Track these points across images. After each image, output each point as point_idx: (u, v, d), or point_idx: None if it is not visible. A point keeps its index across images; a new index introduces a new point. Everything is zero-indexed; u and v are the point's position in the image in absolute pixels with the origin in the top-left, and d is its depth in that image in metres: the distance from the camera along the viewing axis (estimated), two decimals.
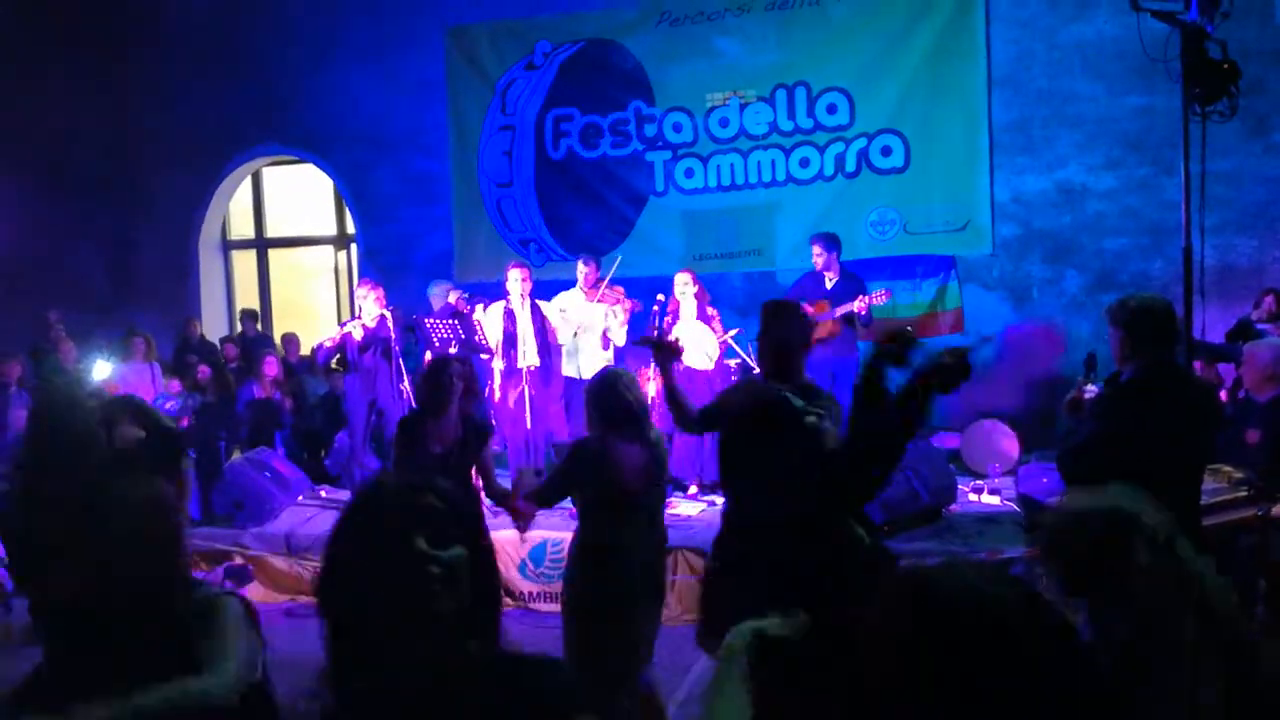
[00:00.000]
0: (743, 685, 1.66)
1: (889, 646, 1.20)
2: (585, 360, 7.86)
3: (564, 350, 7.99)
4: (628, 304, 7.88)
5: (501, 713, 1.43)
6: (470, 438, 4.69)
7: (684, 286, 7.76)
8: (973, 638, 1.14)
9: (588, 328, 7.87)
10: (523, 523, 4.32)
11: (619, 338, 7.89)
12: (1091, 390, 5.72)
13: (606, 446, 3.90)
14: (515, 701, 1.44)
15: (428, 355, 8.14)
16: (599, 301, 7.88)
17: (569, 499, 4.33)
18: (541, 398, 7.76)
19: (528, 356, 7.68)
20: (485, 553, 1.49)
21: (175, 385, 8.91)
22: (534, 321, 7.80)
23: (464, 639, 1.44)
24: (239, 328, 11.29)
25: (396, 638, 1.39)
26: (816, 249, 7.77)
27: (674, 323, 7.69)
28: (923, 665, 1.15)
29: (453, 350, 7.69)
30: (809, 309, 7.77)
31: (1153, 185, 8.61)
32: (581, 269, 8.03)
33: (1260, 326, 7.44)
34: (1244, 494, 4.85)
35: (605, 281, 8.00)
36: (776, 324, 3.72)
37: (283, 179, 11.97)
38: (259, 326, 11.17)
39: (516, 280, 7.76)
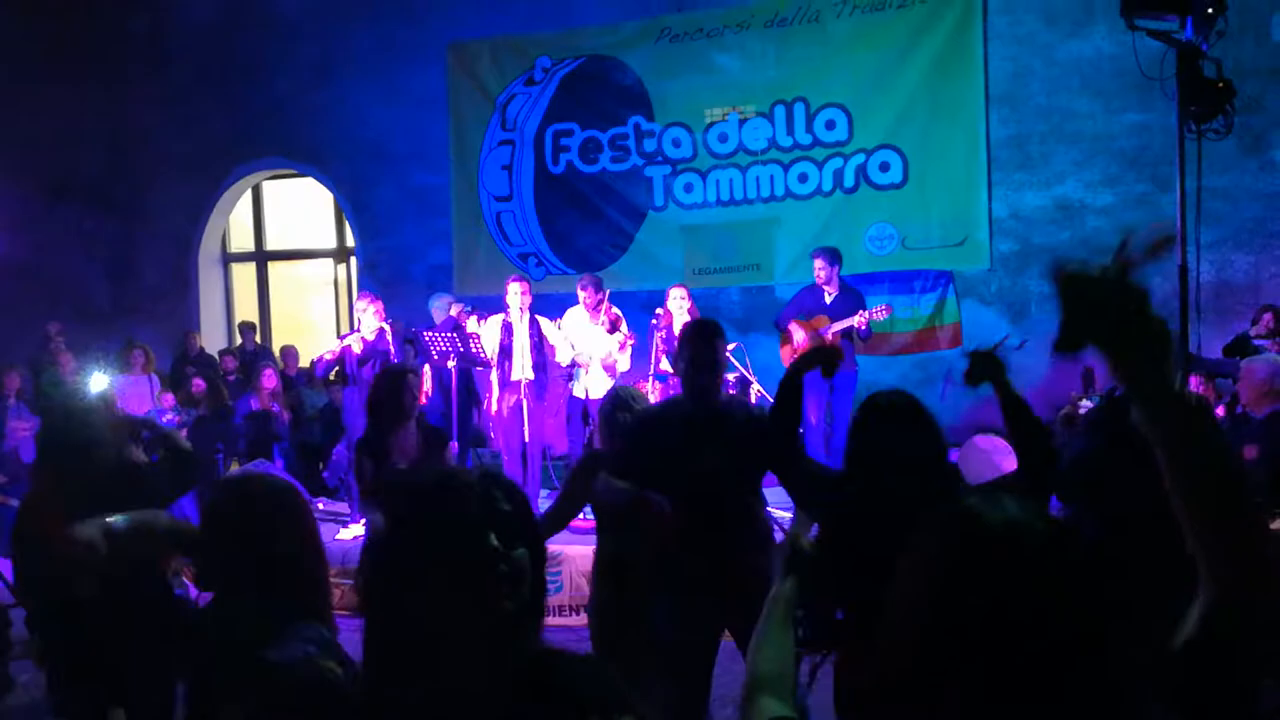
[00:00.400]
0: (787, 630, 1.69)
1: (929, 574, 1.23)
2: (591, 381, 7.89)
3: (571, 369, 7.99)
4: (628, 336, 7.87)
5: (549, 712, 1.42)
6: (432, 448, 4.54)
7: (679, 301, 7.82)
8: (1010, 565, 1.18)
9: (591, 356, 7.88)
10: None
11: (624, 364, 7.93)
12: (1086, 406, 5.72)
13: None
14: (562, 701, 1.43)
15: (426, 368, 8.16)
16: (598, 323, 7.90)
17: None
18: (537, 410, 7.77)
19: (524, 369, 7.68)
20: (540, 554, 1.48)
21: (169, 399, 8.92)
22: (531, 335, 7.81)
23: (518, 639, 1.43)
24: (238, 340, 11.30)
25: (457, 635, 1.37)
26: (819, 263, 7.80)
27: (667, 338, 7.70)
28: (961, 592, 1.18)
29: (450, 364, 7.71)
30: (801, 326, 7.83)
31: (1150, 202, 8.63)
32: (580, 293, 8.03)
33: (1258, 343, 7.45)
34: None
35: (606, 301, 8.02)
36: (689, 345, 3.79)
37: (283, 192, 12.01)
38: (258, 339, 11.19)
39: (516, 294, 7.77)
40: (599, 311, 7.93)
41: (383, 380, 4.65)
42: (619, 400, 4.20)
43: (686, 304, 7.84)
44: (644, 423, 3.80)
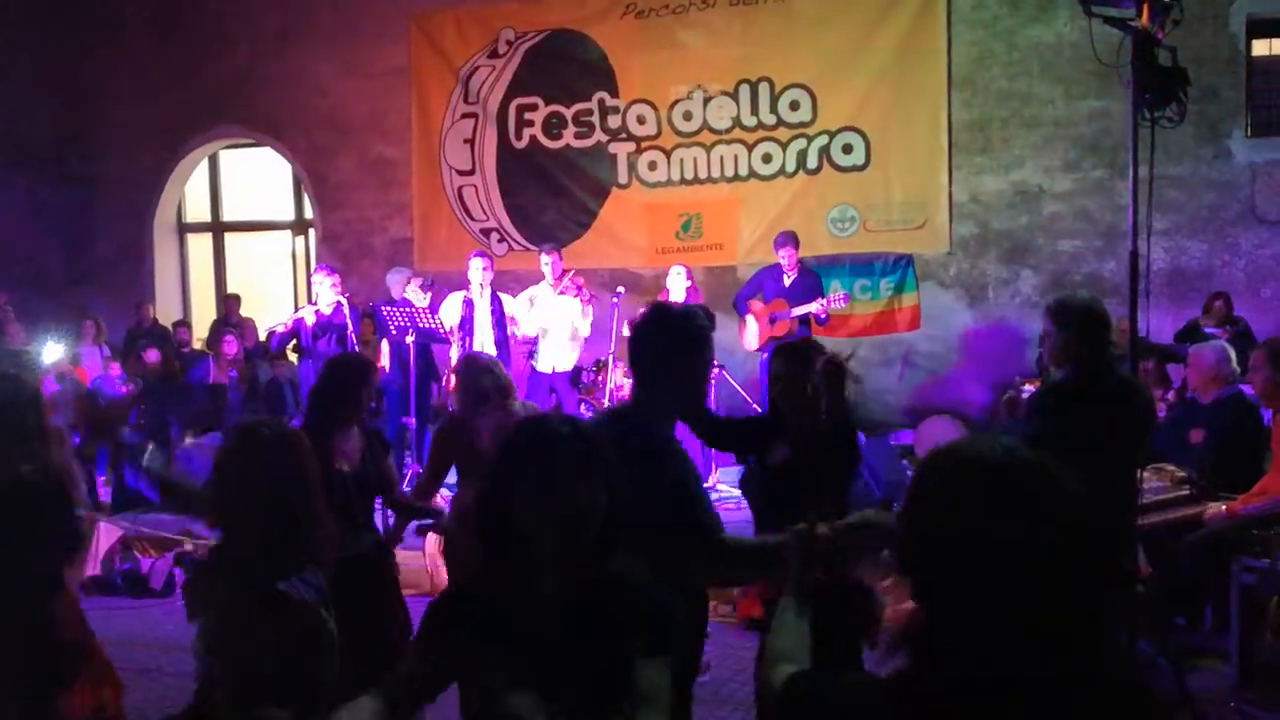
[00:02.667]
0: (802, 616, 1.77)
1: (926, 502, 1.35)
2: (555, 355, 7.87)
3: (532, 341, 7.98)
4: (588, 304, 7.88)
5: (623, 625, 1.76)
6: (375, 449, 4.06)
7: (678, 279, 7.90)
8: (999, 489, 1.29)
9: (553, 326, 7.86)
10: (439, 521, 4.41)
11: (584, 329, 7.92)
12: (1028, 390, 5.80)
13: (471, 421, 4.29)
14: (632, 616, 1.77)
15: (384, 344, 8.11)
16: (563, 293, 7.88)
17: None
18: None
19: (485, 345, 7.65)
20: (618, 490, 1.80)
21: (115, 369, 8.79)
22: (493, 311, 7.78)
23: (602, 559, 1.80)
24: (194, 312, 11.15)
25: (560, 555, 1.76)
26: (785, 252, 7.85)
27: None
28: (955, 514, 1.30)
29: (409, 339, 7.66)
30: (761, 306, 7.87)
31: (1108, 188, 8.73)
32: (545, 260, 8.00)
33: (1208, 330, 7.57)
34: (1185, 493, 4.95)
35: (570, 273, 8.00)
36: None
37: (240, 162, 11.83)
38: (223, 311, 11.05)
39: (478, 269, 7.73)
40: (560, 280, 7.91)
41: (342, 371, 4.09)
42: (481, 365, 4.44)
43: (687, 282, 7.86)
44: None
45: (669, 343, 2.46)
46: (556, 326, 7.88)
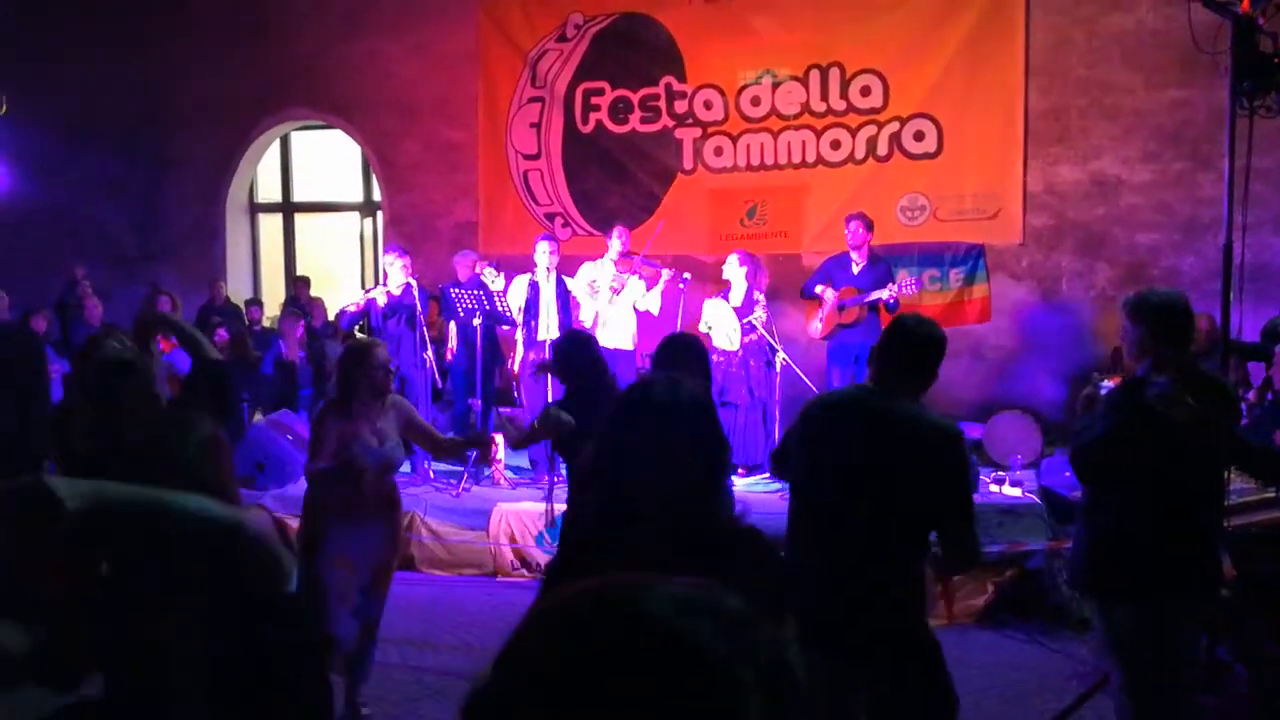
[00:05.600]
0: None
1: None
2: (613, 330, 7.85)
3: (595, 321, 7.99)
4: (665, 273, 7.86)
5: (735, 568, 1.82)
6: (403, 418, 4.55)
7: (732, 267, 7.83)
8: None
9: (613, 309, 7.86)
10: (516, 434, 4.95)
11: (653, 305, 7.91)
12: (1107, 386, 5.66)
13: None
14: (742, 563, 1.89)
15: (451, 326, 8.16)
16: (627, 273, 7.87)
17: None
18: None
19: (550, 329, 7.67)
20: (716, 443, 1.99)
21: None
22: (558, 295, 7.80)
23: (707, 511, 1.94)
24: (265, 291, 11.31)
25: (668, 510, 1.90)
26: (855, 225, 7.74)
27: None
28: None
29: (476, 322, 7.70)
30: (835, 294, 7.78)
31: (1188, 180, 8.49)
32: (616, 241, 7.98)
33: None
34: (1273, 494, 4.82)
35: (640, 256, 7.98)
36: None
37: (311, 144, 11.97)
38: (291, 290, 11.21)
39: (544, 253, 7.74)
40: (630, 260, 7.90)
41: (346, 358, 4.62)
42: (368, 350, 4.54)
43: (743, 268, 7.78)
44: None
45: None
46: (617, 308, 7.87)
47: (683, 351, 4.13)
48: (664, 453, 1.91)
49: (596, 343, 4.91)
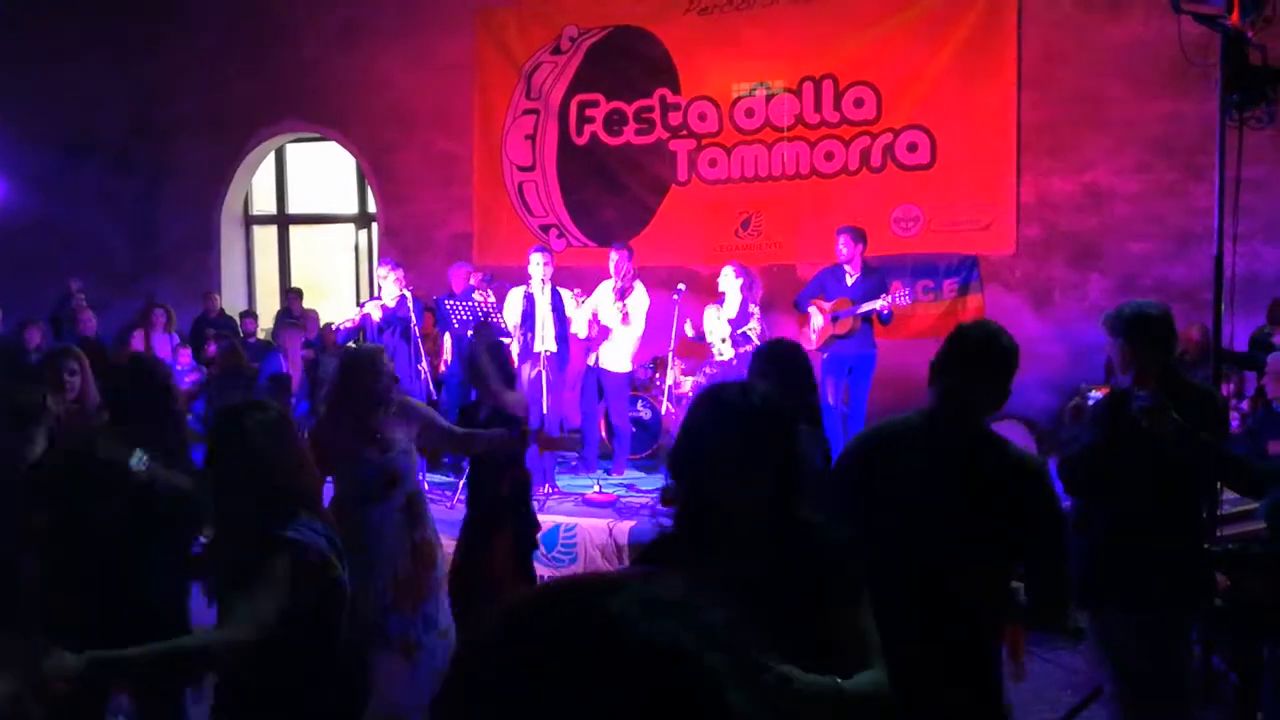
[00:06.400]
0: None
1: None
2: (606, 350, 7.88)
3: (590, 342, 8.00)
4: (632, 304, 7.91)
5: (814, 564, 1.99)
6: (418, 421, 4.45)
7: (727, 279, 7.87)
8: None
9: (618, 328, 7.90)
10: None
11: (638, 328, 7.94)
12: (1095, 397, 5.68)
13: None
14: (820, 557, 2.01)
15: (446, 337, 8.17)
16: (630, 281, 7.92)
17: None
18: (558, 382, 7.76)
19: (545, 341, 7.67)
20: (796, 442, 2.08)
21: (185, 355, 8.95)
22: (553, 307, 7.80)
23: (792, 504, 2.04)
24: (260, 302, 11.31)
25: (750, 507, 2.00)
26: (843, 240, 7.76)
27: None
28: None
29: (471, 334, 7.70)
30: (820, 308, 7.80)
31: (1179, 191, 8.53)
32: (614, 257, 7.99)
33: (1277, 339, 7.37)
34: (1254, 506, 4.82)
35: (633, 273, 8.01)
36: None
37: (306, 156, 11.99)
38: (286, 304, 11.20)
39: (538, 264, 7.75)
40: (627, 280, 7.92)
41: (348, 368, 4.49)
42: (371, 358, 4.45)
43: (738, 280, 7.81)
44: None
45: None
46: (622, 329, 7.90)
47: (766, 361, 3.89)
48: (742, 454, 1.98)
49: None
